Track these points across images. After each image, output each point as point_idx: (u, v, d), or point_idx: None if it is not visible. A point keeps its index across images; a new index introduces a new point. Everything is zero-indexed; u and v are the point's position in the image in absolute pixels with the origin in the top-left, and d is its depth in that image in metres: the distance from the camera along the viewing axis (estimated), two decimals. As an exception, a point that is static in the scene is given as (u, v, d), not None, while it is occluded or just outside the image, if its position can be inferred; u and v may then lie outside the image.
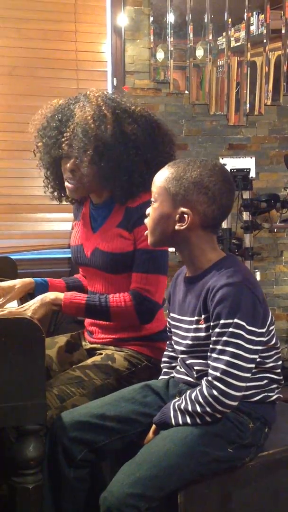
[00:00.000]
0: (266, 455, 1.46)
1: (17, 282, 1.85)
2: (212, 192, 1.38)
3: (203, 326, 1.39)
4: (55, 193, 1.92)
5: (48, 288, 1.89)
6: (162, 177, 1.42)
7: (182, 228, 1.39)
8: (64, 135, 1.71)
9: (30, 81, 3.29)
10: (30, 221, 3.39)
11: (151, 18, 3.43)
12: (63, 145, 1.72)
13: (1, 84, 3.27)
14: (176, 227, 1.39)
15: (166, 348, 1.66)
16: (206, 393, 1.32)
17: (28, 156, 3.27)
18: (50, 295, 1.69)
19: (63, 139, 1.72)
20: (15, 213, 3.37)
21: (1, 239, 3.34)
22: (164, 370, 1.63)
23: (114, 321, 1.74)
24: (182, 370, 1.52)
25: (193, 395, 1.35)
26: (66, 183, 1.80)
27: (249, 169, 3.26)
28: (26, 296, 1.87)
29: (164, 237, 1.44)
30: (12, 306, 1.77)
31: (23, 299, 1.84)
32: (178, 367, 1.55)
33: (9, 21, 3.23)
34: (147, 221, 1.46)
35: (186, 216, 1.38)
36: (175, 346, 1.52)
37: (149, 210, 1.45)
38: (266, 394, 1.43)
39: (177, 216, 1.39)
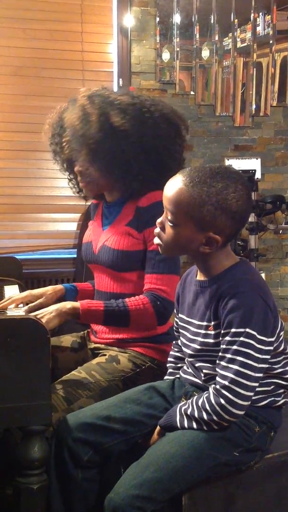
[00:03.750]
0: (271, 458, 1.45)
1: (48, 289, 1.86)
2: (239, 214, 1.33)
3: (213, 332, 1.37)
4: (81, 193, 1.99)
5: (77, 293, 1.92)
6: (181, 200, 1.31)
7: (208, 251, 1.35)
8: (63, 140, 1.83)
9: (36, 81, 3.30)
10: (35, 221, 3.40)
11: (157, 19, 3.43)
12: (64, 150, 1.83)
13: (7, 84, 3.28)
14: (201, 249, 1.35)
15: (172, 348, 1.65)
16: (213, 401, 1.31)
17: (34, 156, 3.35)
18: (66, 305, 1.68)
19: (64, 145, 1.83)
20: (20, 213, 3.38)
21: (6, 239, 3.35)
22: (170, 370, 1.62)
23: (133, 326, 1.72)
24: (190, 371, 1.51)
25: (200, 402, 1.34)
26: (80, 184, 1.88)
27: (255, 170, 3.26)
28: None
29: (183, 254, 1.45)
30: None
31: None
32: (185, 367, 1.55)
33: (15, 22, 3.25)
34: (163, 235, 1.38)
35: (214, 241, 1.34)
36: (183, 348, 1.51)
37: (160, 221, 1.38)
38: (273, 399, 1.42)
39: (204, 240, 1.34)
